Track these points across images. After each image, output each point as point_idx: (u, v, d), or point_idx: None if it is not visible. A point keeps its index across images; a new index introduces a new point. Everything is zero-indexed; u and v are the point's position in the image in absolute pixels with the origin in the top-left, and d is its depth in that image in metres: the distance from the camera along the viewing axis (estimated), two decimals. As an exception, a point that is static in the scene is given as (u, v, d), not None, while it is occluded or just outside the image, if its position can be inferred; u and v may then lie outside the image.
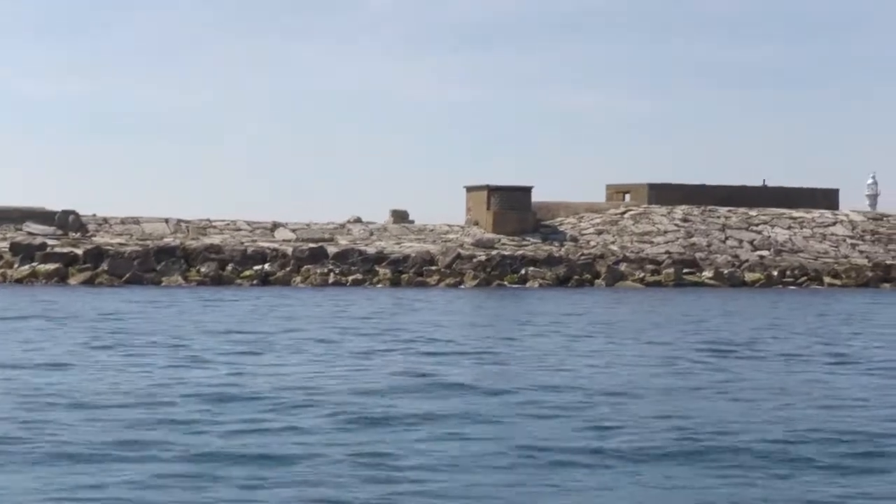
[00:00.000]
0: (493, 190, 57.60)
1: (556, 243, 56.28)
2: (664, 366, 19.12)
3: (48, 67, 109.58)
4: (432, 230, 57.06)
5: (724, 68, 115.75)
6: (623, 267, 53.11)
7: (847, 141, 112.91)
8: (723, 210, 60.91)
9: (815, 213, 61.86)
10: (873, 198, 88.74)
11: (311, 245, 50.20)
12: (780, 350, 22.19)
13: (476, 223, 57.86)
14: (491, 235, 55.93)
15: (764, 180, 65.50)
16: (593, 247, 56.40)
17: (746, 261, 56.14)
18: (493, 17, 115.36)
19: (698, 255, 56.60)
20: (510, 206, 57.37)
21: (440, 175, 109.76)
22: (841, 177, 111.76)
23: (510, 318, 31.53)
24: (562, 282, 50.99)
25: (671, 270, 52.95)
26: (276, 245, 50.78)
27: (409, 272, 49.77)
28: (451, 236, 56.20)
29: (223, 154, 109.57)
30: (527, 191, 58.07)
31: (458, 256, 51.13)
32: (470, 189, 58.83)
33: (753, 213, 60.97)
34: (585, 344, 23.05)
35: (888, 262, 58.08)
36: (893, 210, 67.02)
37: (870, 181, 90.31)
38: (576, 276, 51.20)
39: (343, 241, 53.66)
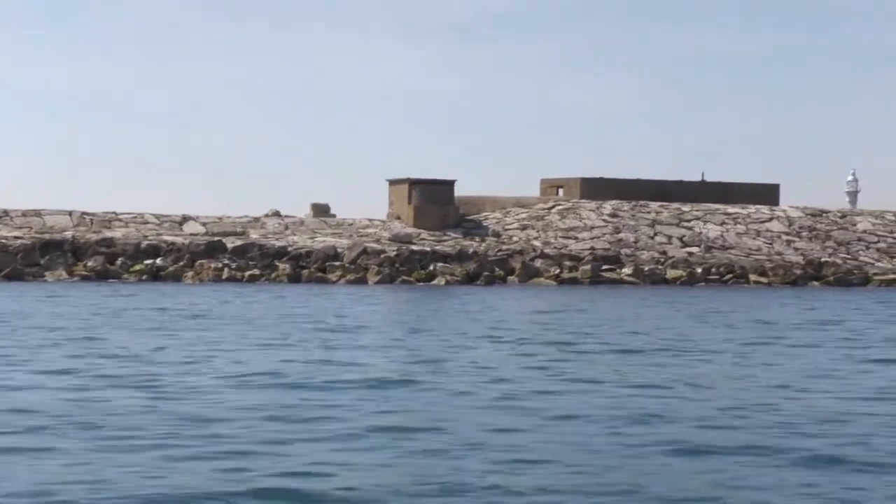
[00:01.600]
0: (414, 183, 55.54)
1: (477, 238, 54.20)
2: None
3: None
4: (351, 224, 55.03)
5: (687, 59, 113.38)
6: (539, 263, 51.01)
7: (792, 135, 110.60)
8: (654, 205, 58.73)
9: (752, 209, 59.64)
10: (853, 194, 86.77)
11: (210, 239, 48.23)
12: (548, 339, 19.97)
13: (398, 217, 55.84)
14: (410, 230, 53.87)
15: (703, 174, 63.39)
16: (515, 242, 54.30)
17: (671, 257, 53.98)
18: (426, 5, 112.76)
19: (624, 251, 54.47)
20: (432, 199, 55.31)
21: (372, 169, 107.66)
22: (805, 171, 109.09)
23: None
24: (471, 278, 48.91)
25: (587, 267, 50.84)
26: (178, 239, 48.83)
27: (311, 268, 47.80)
28: (370, 231, 54.17)
29: (151, 145, 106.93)
30: (449, 184, 55.99)
31: (364, 251, 49.09)
32: (392, 182, 56.79)
33: (686, 208, 58.79)
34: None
35: (824, 259, 55.88)
36: (875, 206, 64.96)
37: (850, 178, 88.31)
38: (486, 273, 49.12)
39: (254, 235, 51.68)
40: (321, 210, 56.58)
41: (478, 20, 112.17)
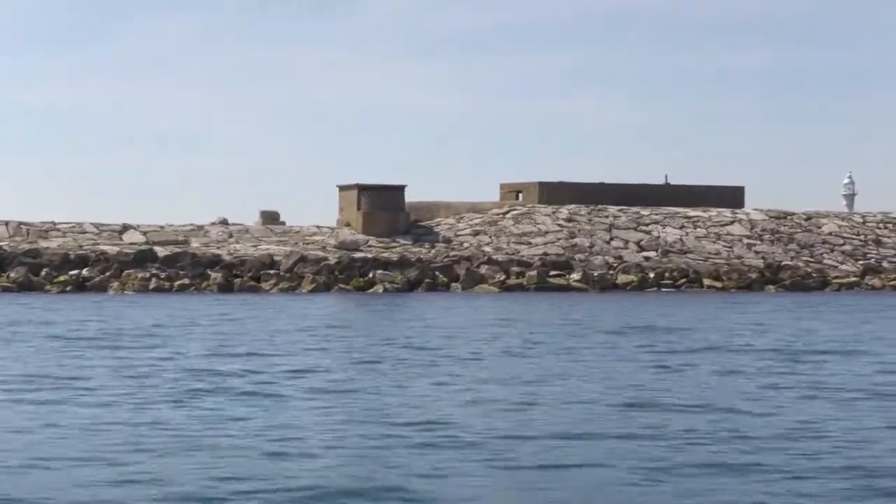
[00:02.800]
0: (363, 189, 53.96)
1: (427, 245, 52.58)
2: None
3: None
4: (298, 232, 53.46)
5: (660, 72, 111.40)
6: (484, 269, 49.35)
7: (761, 137, 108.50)
8: (613, 209, 56.96)
9: (713, 212, 57.80)
10: (850, 198, 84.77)
11: (140, 248, 46.75)
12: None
13: (347, 224, 54.25)
14: (357, 237, 52.30)
15: (666, 177, 61.62)
16: (465, 248, 52.67)
17: (625, 262, 52.26)
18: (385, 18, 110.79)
19: (578, 256, 52.76)
20: (381, 206, 53.71)
21: (329, 175, 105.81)
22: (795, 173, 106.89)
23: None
24: (413, 286, 47.30)
25: (533, 273, 49.14)
26: (111, 248, 47.38)
27: (244, 276, 46.27)
28: (317, 238, 52.61)
29: (101, 154, 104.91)
30: (399, 190, 54.38)
31: (302, 259, 47.55)
32: (342, 189, 55.21)
33: (646, 212, 56.99)
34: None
35: (785, 262, 54.05)
36: (871, 209, 63.21)
37: (846, 181, 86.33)
38: (427, 280, 47.48)
39: (195, 244, 50.20)
40: (270, 217, 55.07)
41: (443, 33, 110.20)
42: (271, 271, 46.45)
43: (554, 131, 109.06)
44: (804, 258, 55.07)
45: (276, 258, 47.68)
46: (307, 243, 51.57)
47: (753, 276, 51.38)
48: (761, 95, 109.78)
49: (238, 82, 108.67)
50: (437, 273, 48.22)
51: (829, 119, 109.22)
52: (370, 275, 47.22)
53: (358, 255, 49.53)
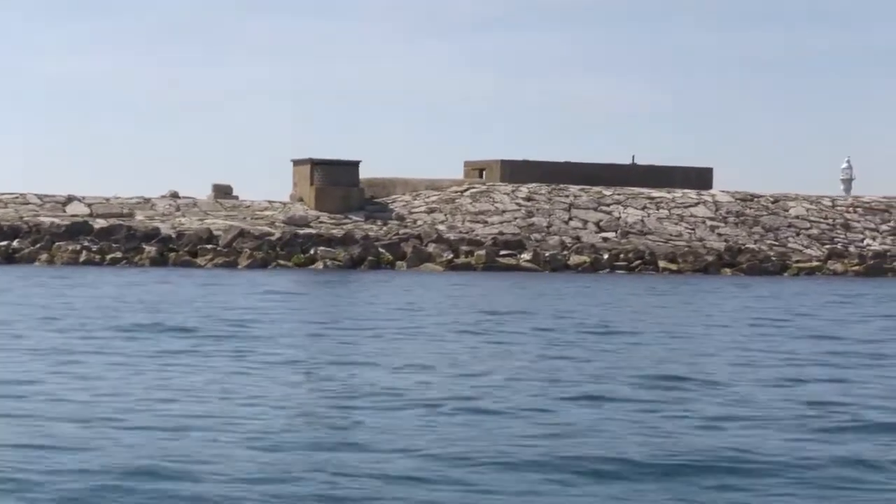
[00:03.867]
0: (316, 164, 52.42)
1: (379, 222, 51.09)
2: None
3: None
4: (248, 206, 51.99)
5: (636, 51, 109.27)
6: (432, 248, 47.83)
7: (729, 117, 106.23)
8: (574, 189, 55.30)
9: (678, 193, 56.07)
10: (848, 182, 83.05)
11: (74, 220, 45.36)
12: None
13: (301, 199, 52.76)
14: (307, 212, 50.83)
15: (633, 158, 59.93)
16: (419, 226, 51.15)
17: (580, 243, 50.66)
18: None
19: (535, 236, 51.18)
20: (335, 181, 52.18)
21: (291, 150, 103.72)
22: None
23: None
24: (355, 263, 45.81)
25: (482, 252, 47.59)
26: (47, 220, 46.03)
27: (180, 251, 44.86)
28: (267, 213, 51.12)
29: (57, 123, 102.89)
30: (353, 165, 52.82)
31: (241, 234, 46.10)
32: (296, 163, 53.66)
33: (608, 192, 55.30)
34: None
35: (748, 245, 52.36)
36: (871, 194, 61.53)
37: (844, 165, 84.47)
38: (370, 258, 45.98)
39: (140, 217, 48.81)
40: (223, 191, 53.58)
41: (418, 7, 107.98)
42: (208, 246, 45.03)
43: (525, 110, 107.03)
44: (768, 241, 53.37)
45: (215, 232, 46.24)
46: (256, 218, 50.12)
47: (710, 258, 49.71)
48: (751, 77, 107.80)
49: (207, 55, 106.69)
50: (381, 251, 46.72)
51: (826, 102, 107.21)
52: (311, 251, 45.76)
53: (305, 230, 48.07)
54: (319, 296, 31.54)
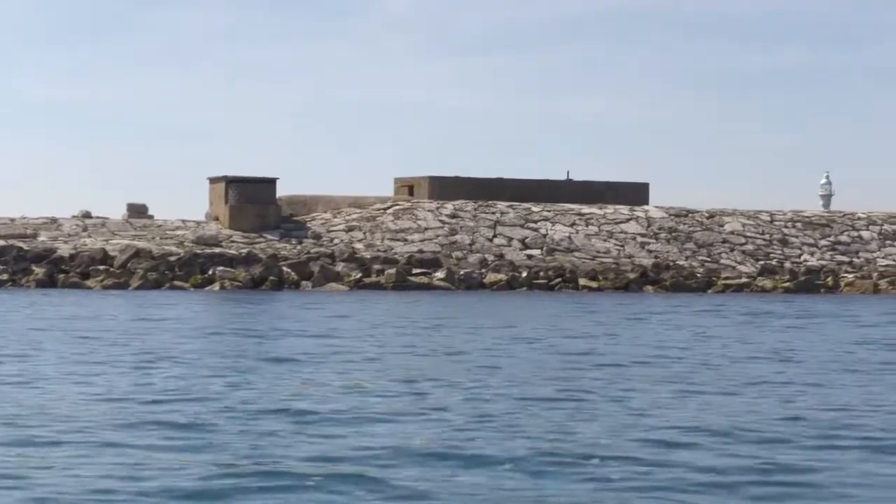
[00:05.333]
0: (231, 181, 50.21)
1: (294, 241, 48.85)
2: None
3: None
4: (160, 226, 49.78)
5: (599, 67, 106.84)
6: (340, 267, 45.56)
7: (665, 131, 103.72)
8: (501, 205, 52.94)
9: (610, 209, 53.69)
10: (827, 198, 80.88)
11: (-39, 241, 43.22)
12: None
13: (216, 218, 50.57)
14: (217, 232, 48.58)
15: (568, 173, 57.59)
16: (335, 244, 48.89)
17: (500, 261, 48.35)
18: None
19: (456, 253, 48.89)
20: (250, 199, 49.93)
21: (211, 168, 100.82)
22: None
23: None
24: (256, 283, 43.54)
25: (392, 271, 45.29)
26: (-61, 241, 43.91)
27: (71, 272, 42.66)
28: (178, 232, 48.90)
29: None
30: (270, 183, 50.59)
31: (136, 254, 43.86)
32: (212, 181, 51.48)
33: (537, 208, 52.94)
34: None
35: (679, 262, 50.00)
36: (848, 208, 59.23)
37: (823, 181, 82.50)
38: (272, 278, 43.69)
39: (43, 237, 46.65)
40: (137, 211, 51.38)
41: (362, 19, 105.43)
42: (101, 267, 42.81)
43: (465, 126, 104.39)
44: (700, 258, 51.01)
45: (111, 253, 44.04)
46: (164, 238, 47.94)
47: (631, 276, 47.33)
48: (705, 91, 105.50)
49: (137, 68, 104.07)
50: (287, 270, 44.45)
51: (801, 118, 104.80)
52: (211, 272, 43.52)
53: (207, 250, 45.83)
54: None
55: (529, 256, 49.57)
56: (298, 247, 47.97)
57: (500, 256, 49.18)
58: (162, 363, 17.39)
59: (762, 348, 21.20)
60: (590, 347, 21.05)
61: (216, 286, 42.62)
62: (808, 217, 55.12)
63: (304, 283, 44.12)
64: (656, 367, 17.83)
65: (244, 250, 46.45)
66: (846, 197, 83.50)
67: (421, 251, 48.56)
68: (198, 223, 50.22)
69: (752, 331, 25.70)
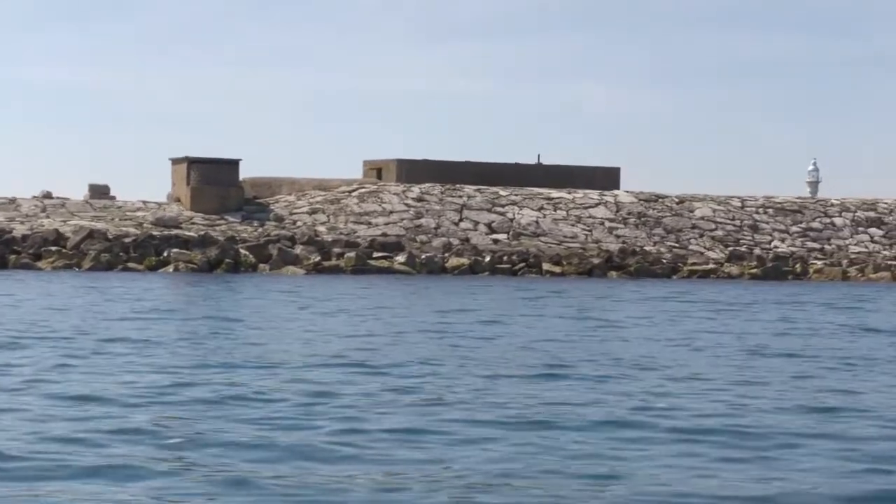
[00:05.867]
0: (192, 162, 49.30)
1: (256, 223, 47.98)
2: None
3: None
4: (120, 207, 48.89)
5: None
6: (299, 250, 44.68)
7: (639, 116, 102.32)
8: (469, 189, 52.06)
9: (579, 194, 52.78)
10: (814, 185, 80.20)
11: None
12: None
13: (178, 200, 49.70)
14: (178, 213, 47.72)
15: (538, 157, 56.69)
16: (298, 227, 48.02)
17: (463, 245, 47.49)
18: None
19: (421, 237, 48.02)
20: (212, 180, 49.04)
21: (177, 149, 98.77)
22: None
23: None
24: (212, 266, 42.67)
25: (352, 255, 44.43)
26: None
27: (24, 252, 41.80)
28: (139, 214, 47.99)
29: None
30: (233, 164, 49.68)
31: (90, 235, 42.98)
32: (175, 161, 50.57)
33: (505, 192, 52.05)
34: None
35: (647, 247, 49.14)
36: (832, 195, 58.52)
37: (810, 167, 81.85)
38: (227, 260, 42.80)
39: (0, 218, 45.82)
40: (99, 191, 50.52)
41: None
42: (53, 248, 41.95)
43: (437, 109, 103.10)
44: (668, 243, 50.15)
45: (64, 234, 43.17)
46: (124, 219, 47.06)
47: (595, 261, 46.45)
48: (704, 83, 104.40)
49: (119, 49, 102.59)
50: (244, 253, 43.57)
51: (789, 106, 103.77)
52: (165, 253, 42.66)
53: (164, 232, 44.96)
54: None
55: (495, 241, 48.71)
56: (260, 229, 47.11)
57: (466, 240, 48.33)
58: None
59: (655, 333, 20.33)
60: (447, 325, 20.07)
61: (170, 268, 41.74)
62: (779, 203, 54.18)
63: (261, 265, 43.26)
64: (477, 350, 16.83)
65: (203, 232, 45.58)
66: (833, 184, 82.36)
67: (385, 235, 47.69)
68: (159, 205, 49.34)
69: (676, 316, 24.79)
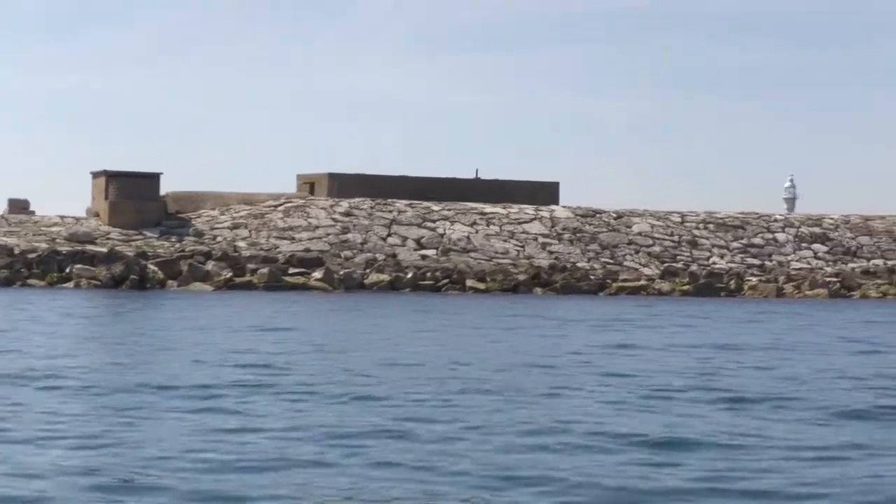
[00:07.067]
0: (111, 176, 47.42)
1: (174, 238, 46.08)
2: None
3: None
4: (36, 222, 47.01)
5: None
6: (210, 266, 42.76)
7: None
8: (400, 203, 50.10)
9: (514, 209, 50.84)
10: (791, 201, 78.59)
11: None
12: None
13: (97, 214, 47.82)
14: (100, 227, 45.84)
15: (476, 171, 54.79)
16: (218, 242, 46.12)
17: (384, 261, 45.57)
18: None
19: (346, 253, 46.11)
20: (130, 195, 47.14)
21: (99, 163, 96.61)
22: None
23: None
24: (117, 282, 40.74)
25: (265, 271, 42.50)
26: None
27: (-83, 269, 39.95)
28: (54, 229, 46.12)
29: None
30: (153, 178, 47.80)
31: (-10, 251, 41.13)
32: (95, 175, 48.71)
33: (437, 207, 50.12)
34: None
35: (580, 263, 47.21)
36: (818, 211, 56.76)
37: (787, 184, 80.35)
38: (133, 277, 40.86)
39: None
40: (19, 206, 48.71)
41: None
42: (-50, 264, 40.09)
43: (374, 121, 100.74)
44: (603, 259, 48.22)
45: (-35, 249, 41.31)
46: (38, 234, 45.18)
47: (520, 277, 44.51)
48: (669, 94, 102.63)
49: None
50: (153, 269, 41.65)
51: (767, 120, 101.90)
52: (68, 269, 40.77)
53: (78, 247, 43.08)
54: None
55: (423, 257, 46.80)
56: (177, 244, 45.21)
57: (393, 256, 46.43)
58: None
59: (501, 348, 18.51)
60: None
61: (71, 284, 39.84)
62: (721, 219, 52.21)
63: (170, 282, 41.34)
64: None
65: (119, 247, 43.68)
66: (811, 200, 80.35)
67: (308, 250, 45.77)
68: (77, 219, 47.48)
69: (550, 334, 22.93)
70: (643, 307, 35.29)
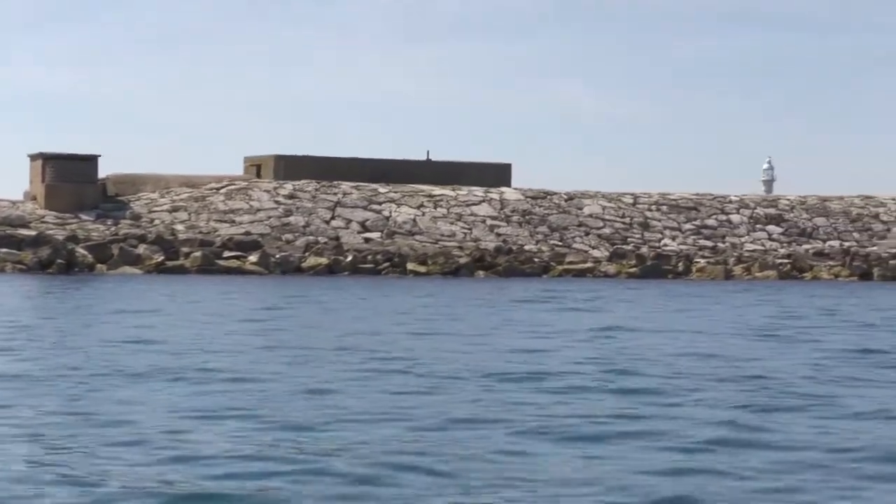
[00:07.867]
0: (48, 159, 46.05)
1: (110, 222, 44.72)
2: None
3: None
4: (-30, 206, 45.69)
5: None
6: (142, 249, 41.44)
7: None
8: (345, 186, 48.74)
9: (463, 191, 49.51)
10: (769, 183, 77.93)
11: None
12: None
13: (34, 198, 46.47)
14: (31, 212, 44.50)
15: (428, 153, 53.41)
16: (155, 225, 44.79)
17: (335, 242, 44.28)
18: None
19: (287, 236, 44.79)
20: (68, 177, 45.70)
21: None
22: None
23: None
24: (44, 266, 39.44)
25: (198, 254, 41.20)
26: None
27: None
28: (-11, 213, 44.83)
29: None
30: (90, 160, 46.36)
31: None
32: (32, 158, 47.30)
33: (384, 190, 48.77)
34: None
35: (528, 246, 45.92)
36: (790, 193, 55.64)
37: (765, 166, 79.86)
38: (59, 261, 39.54)
39: None
40: (-45, 190, 47.32)
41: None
42: None
43: (328, 105, 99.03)
44: (552, 242, 46.92)
45: None
46: (-29, 218, 43.81)
47: (462, 260, 43.22)
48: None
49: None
50: (82, 252, 40.33)
51: (743, 104, 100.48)
52: (-7, 253, 39.46)
53: (7, 231, 41.76)
54: None
55: (367, 240, 45.49)
56: (113, 228, 43.87)
57: (336, 239, 45.10)
58: None
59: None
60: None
61: (-5, 269, 38.55)
62: (674, 200, 50.89)
63: (99, 266, 40.04)
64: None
65: (52, 231, 42.38)
66: (789, 182, 79.38)
67: (248, 233, 44.46)
68: (13, 203, 46.10)
69: (460, 313, 21.72)
70: (553, 290, 33.80)
